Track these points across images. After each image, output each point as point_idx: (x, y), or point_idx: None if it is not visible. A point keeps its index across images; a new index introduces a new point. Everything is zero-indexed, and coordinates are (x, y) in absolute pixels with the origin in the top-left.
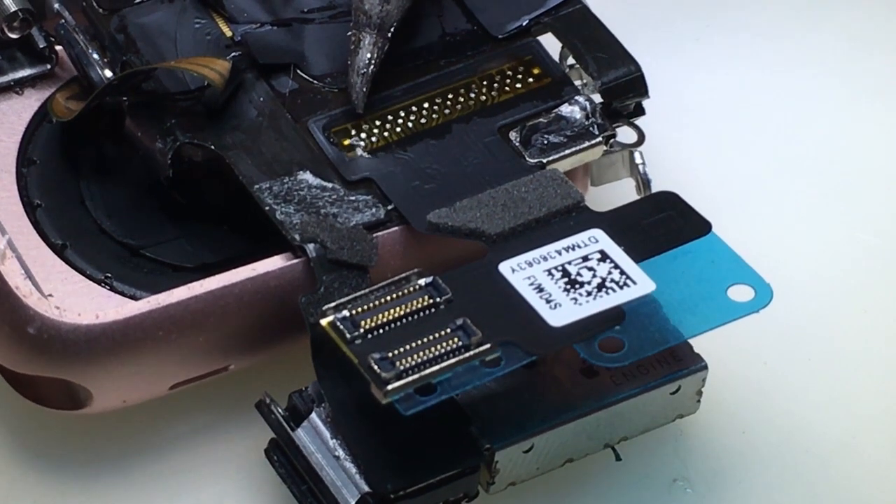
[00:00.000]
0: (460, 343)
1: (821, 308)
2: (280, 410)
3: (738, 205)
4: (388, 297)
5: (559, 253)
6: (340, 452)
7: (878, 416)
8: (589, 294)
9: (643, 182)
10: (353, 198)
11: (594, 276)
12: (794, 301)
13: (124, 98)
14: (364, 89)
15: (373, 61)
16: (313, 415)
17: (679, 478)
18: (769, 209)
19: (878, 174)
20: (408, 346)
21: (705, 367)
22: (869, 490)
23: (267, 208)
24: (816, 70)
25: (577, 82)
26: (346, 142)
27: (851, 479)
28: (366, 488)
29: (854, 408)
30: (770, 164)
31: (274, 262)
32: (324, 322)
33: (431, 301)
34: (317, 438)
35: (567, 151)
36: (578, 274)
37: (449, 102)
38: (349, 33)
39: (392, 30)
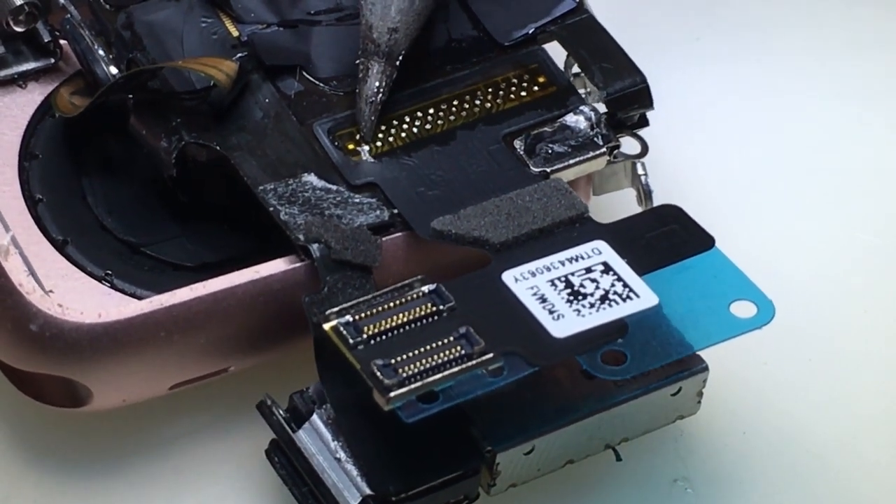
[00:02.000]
0: (463, 352)
1: (821, 308)
2: (281, 411)
3: (738, 206)
4: (392, 304)
5: (562, 263)
6: (342, 454)
7: (878, 416)
8: (592, 306)
9: (644, 193)
10: (357, 199)
11: (597, 287)
12: (794, 301)
13: (130, 96)
14: (372, 118)
15: (381, 90)
16: (314, 416)
17: (680, 478)
18: (769, 209)
19: (879, 174)
20: (411, 354)
21: (706, 369)
22: (869, 490)
23: (271, 209)
24: (817, 71)
25: (582, 91)
26: (351, 146)
27: (852, 480)
28: (367, 490)
29: (854, 408)
30: (770, 165)
31: (277, 265)
32: (327, 327)
33: (434, 308)
34: (318, 440)
35: (571, 161)
36: (582, 285)
37: (454, 109)
38: (357, 62)
39: (400, 58)
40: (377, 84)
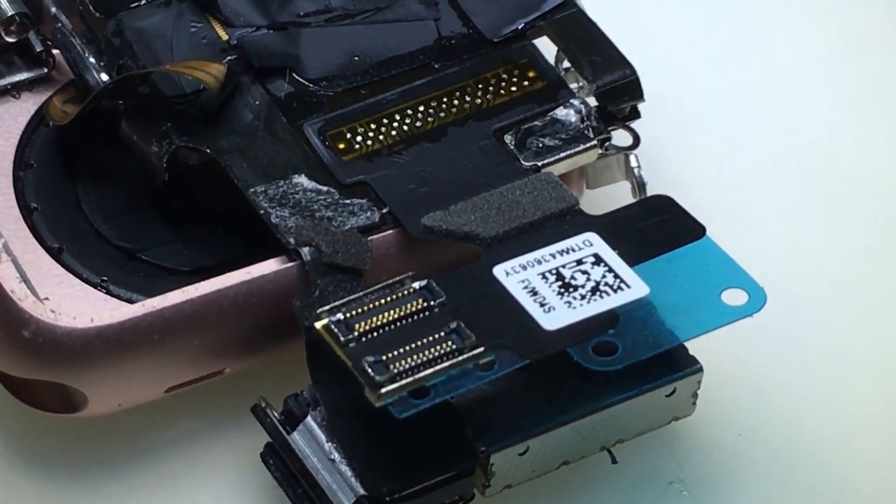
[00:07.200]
0: (454, 346)
1: (817, 310)
2: (275, 414)
3: (733, 206)
4: (383, 301)
5: (553, 256)
6: (336, 456)
7: (874, 417)
8: (583, 298)
9: (639, 185)
10: (347, 201)
11: (588, 279)
12: (789, 303)
13: (120, 101)
14: None
15: None
16: (309, 418)
17: (675, 480)
18: (765, 211)
19: (875, 175)
20: (402, 350)
21: (700, 370)
22: (866, 492)
23: (262, 212)
24: (813, 71)
25: (573, 86)
26: (342, 145)
27: (848, 481)
28: (361, 491)
29: (850, 410)
30: (766, 166)
31: (269, 266)
32: (318, 325)
33: (425, 304)
34: (312, 442)
35: (562, 154)
36: (573, 277)
37: (444, 105)
38: None
39: None
40: None
